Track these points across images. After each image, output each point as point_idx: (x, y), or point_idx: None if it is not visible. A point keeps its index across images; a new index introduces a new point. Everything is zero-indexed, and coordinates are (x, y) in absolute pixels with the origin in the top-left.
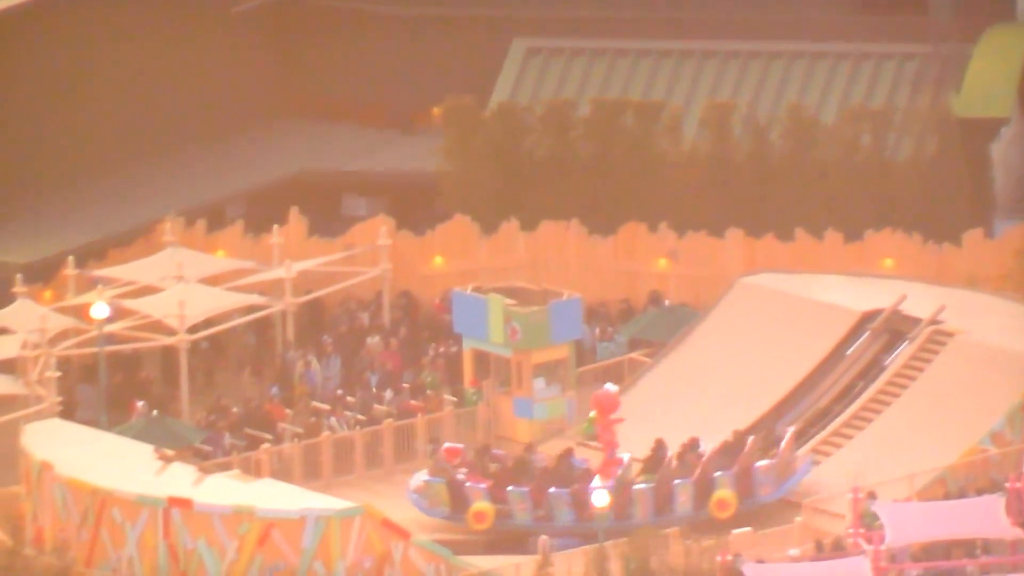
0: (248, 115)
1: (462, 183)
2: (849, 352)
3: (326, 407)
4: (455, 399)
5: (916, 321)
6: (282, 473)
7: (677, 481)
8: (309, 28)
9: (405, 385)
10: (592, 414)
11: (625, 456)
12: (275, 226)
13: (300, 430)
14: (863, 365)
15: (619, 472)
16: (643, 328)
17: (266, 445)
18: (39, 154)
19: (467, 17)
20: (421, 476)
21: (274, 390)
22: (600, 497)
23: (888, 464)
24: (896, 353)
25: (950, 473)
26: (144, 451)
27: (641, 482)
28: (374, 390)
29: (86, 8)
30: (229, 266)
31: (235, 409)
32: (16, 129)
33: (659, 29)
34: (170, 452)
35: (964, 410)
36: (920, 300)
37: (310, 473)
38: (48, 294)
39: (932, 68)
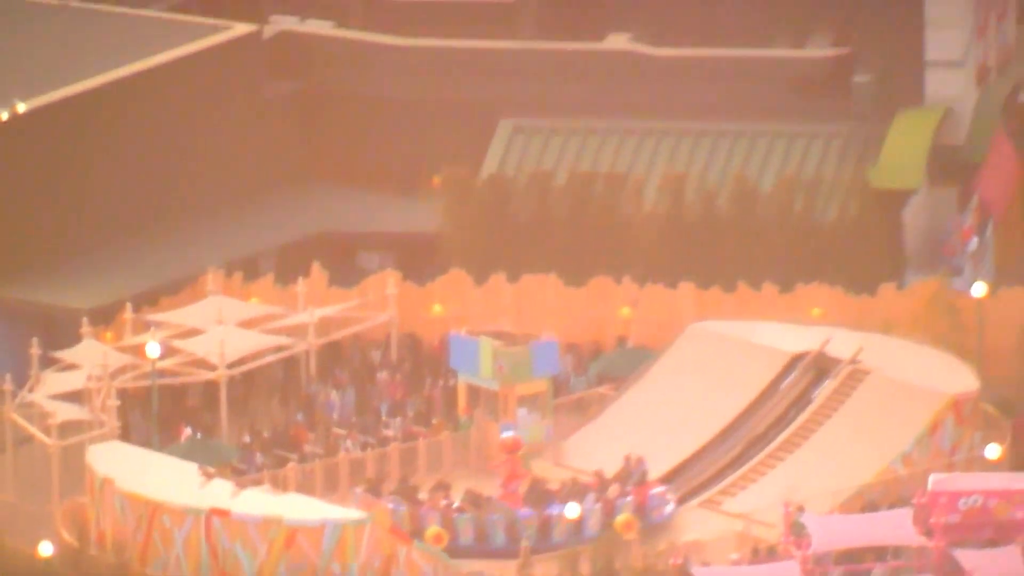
0: (279, 180)
1: (457, 241)
2: (782, 387)
3: (343, 431)
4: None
5: (838, 361)
6: (305, 487)
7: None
8: (330, 109)
9: (409, 413)
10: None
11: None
12: (300, 278)
13: (320, 450)
14: (794, 398)
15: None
16: (608, 365)
17: (292, 463)
18: (104, 212)
19: (462, 99)
20: (389, 503)
21: (299, 416)
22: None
23: (814, 481)
24: (821, 388)
25: (866, 490)
26: (190, 468)
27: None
28: (383, 417)
29: (148, 93)
30: (261, 312)
31: (266, 433)
32: (86, 190)
33: (625, 110)
34: (211, 469)
35: (878, 436)
36: (842, 343)
37: (329, 487)
38: (109, 335)
39: (854, 145)
